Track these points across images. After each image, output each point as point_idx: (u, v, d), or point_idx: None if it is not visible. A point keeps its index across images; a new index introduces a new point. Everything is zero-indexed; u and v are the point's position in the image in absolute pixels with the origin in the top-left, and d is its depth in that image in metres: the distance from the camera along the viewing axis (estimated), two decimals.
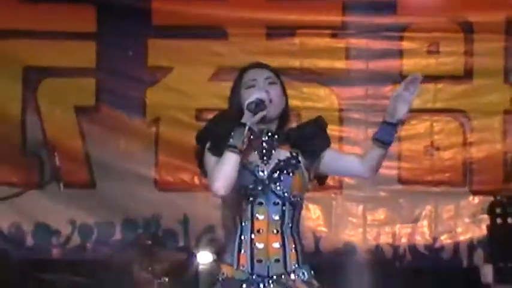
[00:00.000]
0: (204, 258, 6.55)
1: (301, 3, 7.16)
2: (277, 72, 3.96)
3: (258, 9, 7.14)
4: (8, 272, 6.78)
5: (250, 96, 3.73)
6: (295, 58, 6.90)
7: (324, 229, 6.98)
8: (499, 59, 7.11)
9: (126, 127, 7.29)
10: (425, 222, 7.16)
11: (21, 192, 6.78)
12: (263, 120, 3.78)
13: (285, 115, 3.94)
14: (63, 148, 7.09)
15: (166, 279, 6.46)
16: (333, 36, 7.14)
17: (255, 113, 3.72)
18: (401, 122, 3.87)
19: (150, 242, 6.80)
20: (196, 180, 7.17)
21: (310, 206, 6.75)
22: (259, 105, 3.71)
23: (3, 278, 6.59)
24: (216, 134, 3.84)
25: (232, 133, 3.70)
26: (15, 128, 7.31)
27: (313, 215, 6.91)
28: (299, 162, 3.85)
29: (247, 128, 3.69)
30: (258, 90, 3.79)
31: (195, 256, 6.58)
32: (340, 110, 6.94)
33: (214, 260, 6.56)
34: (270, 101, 3.75)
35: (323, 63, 6.96)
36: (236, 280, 3.77)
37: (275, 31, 6.72)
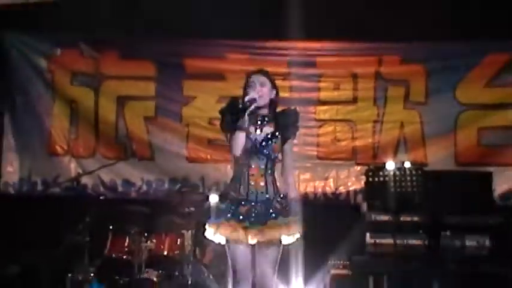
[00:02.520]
0: (213, 199, 7.64)
1: (267, 61, 8.70)
2: (269, 75, 4.69)
3: (243, 64, 8.82)
4: (108, 206, 7.87)
5: (248, 96, 4.48)
6: None
7: None
8: (370, 92, 9.05)
9: (171, 128, 9.09)
10: (331, 180, 9.00)
11: (115, 163, 8.59)
12: (258, 108, 4.57)
13: (273, 103, 4.67)
14: (137, 139, 9.12)
15: (193, 209, 7.83)
16: (283, 79, 8.72)
17: (250, 105, 4.43)
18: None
19: (184, 190, 8.41)
20: (209, 157, 8.98)
21: None
22: (251, 101, 4.48)
23: (105, 210, 7.73)
24: (230, 114, 4.53)
25: (239, 118, 4.38)
26: (112, 128, 9.17)
27: None
28: (278, 136, 4.57)
29: (246, 115, 4.44)
30: (253, 91, 4.52)
31: (208, 198, 7.73)
32: None
33: (220, 197, 7.25)
34: (260, 96, 4.53)
35: None
36: (239, 199, 4.58)
37: None
